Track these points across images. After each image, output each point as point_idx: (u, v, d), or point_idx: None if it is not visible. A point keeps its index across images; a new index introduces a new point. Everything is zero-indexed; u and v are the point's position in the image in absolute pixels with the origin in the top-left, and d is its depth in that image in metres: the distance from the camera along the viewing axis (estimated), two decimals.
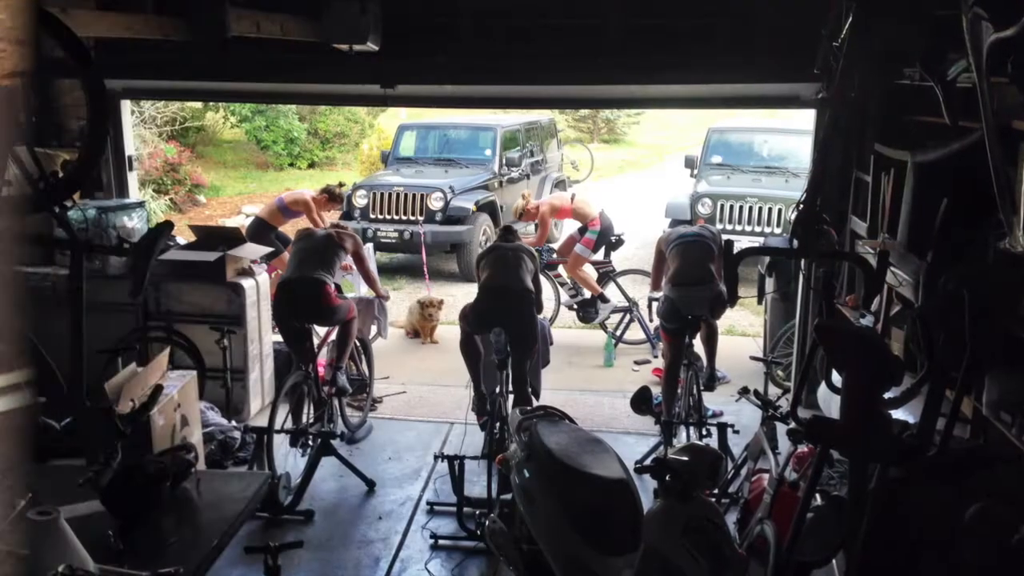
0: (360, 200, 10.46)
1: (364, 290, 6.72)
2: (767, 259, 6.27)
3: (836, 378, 3.14)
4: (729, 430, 4.71)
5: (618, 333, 7.60)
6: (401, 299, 9.09)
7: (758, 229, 9.74)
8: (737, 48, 5.43)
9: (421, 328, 7.77)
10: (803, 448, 3.67)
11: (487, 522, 3.71)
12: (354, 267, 6.00)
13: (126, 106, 6.60)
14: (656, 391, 4.75)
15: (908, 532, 2.73)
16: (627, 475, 2.97)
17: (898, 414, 3.04)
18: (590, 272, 7.87)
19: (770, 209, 9.73)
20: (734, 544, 3.05)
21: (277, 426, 4.73)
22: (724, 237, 4.88)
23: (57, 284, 5.63)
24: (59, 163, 5.30)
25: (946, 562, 2.64)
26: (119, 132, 6.37)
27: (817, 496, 3.24)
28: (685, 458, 3.07)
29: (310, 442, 4.93)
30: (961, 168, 3.41)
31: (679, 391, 5.21)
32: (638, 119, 25.68)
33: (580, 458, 3.01)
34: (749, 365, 6.33)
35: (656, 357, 7.16)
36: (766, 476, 3.75)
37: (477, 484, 4.68)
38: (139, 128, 13.25)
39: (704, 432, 4.96)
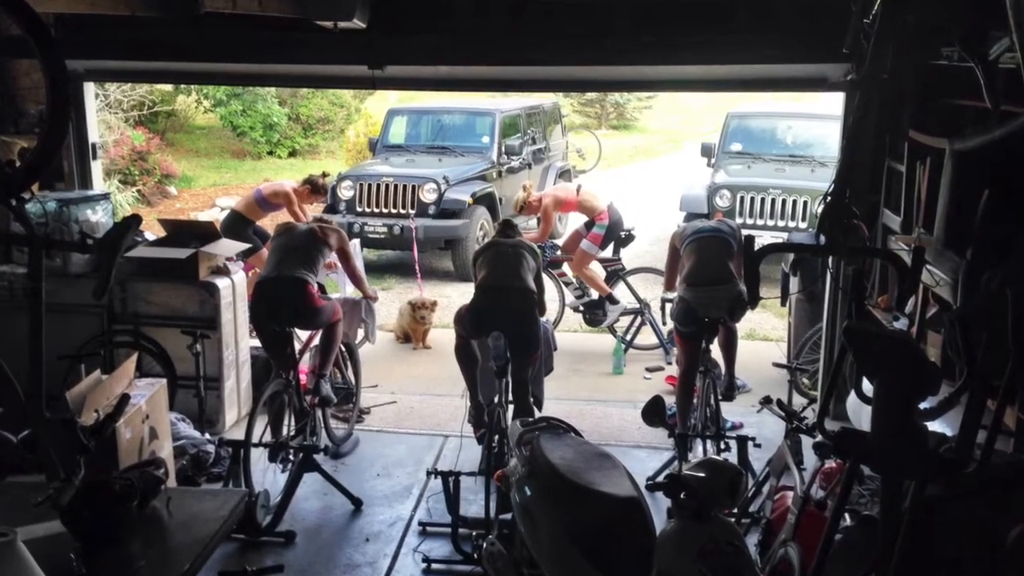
0: (346, 192, 10.48)
1: (350, 290, 6.74)
2: (791, 257, 6.28)
3: (867, 387, 3.14)
4: (750, 443, 4.73)
5: (628, 337, 7.62)
6: (391, 300, 9.11)
7: (781, 223, 9.76)
8: (759, 26, 5.43)
9: (412, 332, 7.78)
10: (831, 463, 3.67)
11: (485, 544, 3.72)
12: (339, 265, 6.01)
13: (89, 89, 6.62)
14: (670, 401, 4.75)
15: (945, 555, 2.73)
16: (638, 493, 2.97)
17: (935, 426, 3.04)
18: (597, 271, 7.88)
19: (795, 202, 9.74)
20: (755, 568, 3.05)
21: (255, 439, 4.72)
22: (744, 232, 4.88)
23: (14, 284, 5.65)
24: (16, 151, 5.32)
25: None
26: (82, 117, 6.38)
27: (846, 516, 3.25)
28: (702, 474, 3.08)
29: (291, 457, 4.93)
30: (1004, 156, 3.41)
31: (695, 401, 5.23)
32: (650, 103, 25.76)
33: (587, 474, 3.01)
34: (772, 372, 6.34)
35: (670, 364, 7.17)
36: (790, 494, 3.76)
37: (474, 503, 4.69)
38: (104, 113, 13.26)
39: (722, 446, 4.97)
